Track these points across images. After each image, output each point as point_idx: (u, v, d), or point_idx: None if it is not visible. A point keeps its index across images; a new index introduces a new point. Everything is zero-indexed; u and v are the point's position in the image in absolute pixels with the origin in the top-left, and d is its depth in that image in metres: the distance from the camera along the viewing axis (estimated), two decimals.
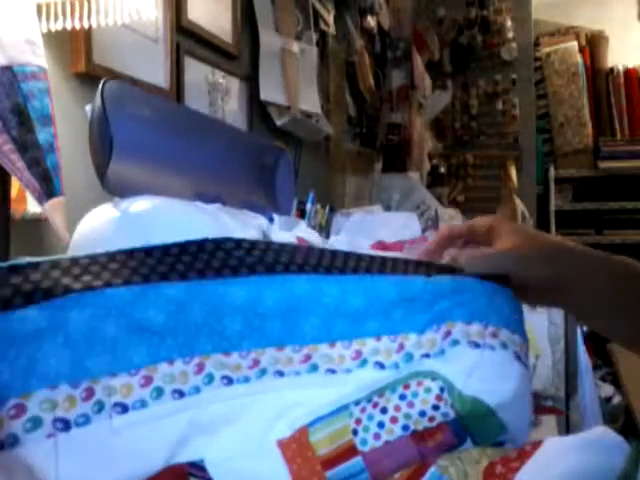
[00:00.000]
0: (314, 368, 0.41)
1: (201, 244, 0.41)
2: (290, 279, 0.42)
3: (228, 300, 0.40)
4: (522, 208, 3.11)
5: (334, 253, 0.44)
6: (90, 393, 0.35)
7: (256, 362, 0.40)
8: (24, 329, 0.34)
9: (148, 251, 0.40)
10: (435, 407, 0.39)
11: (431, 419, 0.39)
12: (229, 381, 0.39)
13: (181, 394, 0.37)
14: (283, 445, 0.38)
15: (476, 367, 0.40)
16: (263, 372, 0.40)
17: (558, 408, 1.27)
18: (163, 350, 0.37)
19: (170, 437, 0.36)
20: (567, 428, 1.12)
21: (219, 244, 0.42)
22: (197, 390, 0.38)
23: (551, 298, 0.50)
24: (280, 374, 0.40)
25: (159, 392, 0.37)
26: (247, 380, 0.39)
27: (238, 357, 0.39)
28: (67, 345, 0.35)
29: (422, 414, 0.39)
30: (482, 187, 3.51)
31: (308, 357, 0.41)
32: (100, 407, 0.35)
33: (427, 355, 0.41)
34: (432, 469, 0.36)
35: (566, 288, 0.48)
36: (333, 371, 0.41)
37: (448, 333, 0.42)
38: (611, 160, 3.50)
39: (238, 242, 0.42)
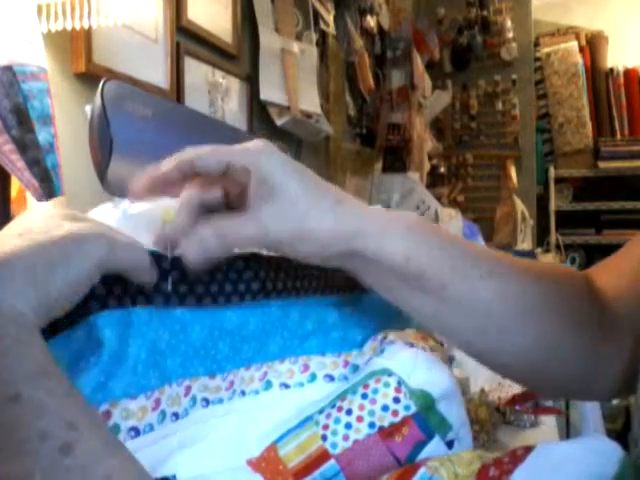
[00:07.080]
0: (269, 385, 0.41)
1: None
2: (268, 304, 0.43)
3: (225, 324, 0.40)
4: (522, 208, 3.11)
5: (295, 276, 0.45)
6: (108, 416, 0.33)
7: (231, 383, 0.40)
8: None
9: (173, 261, 0.38)
10: (396, 399, 0.40)
11: (394, 413, 0.40)
12: (207, 403, 0.39)
13: (177, 416, 0.37)
14: (253, 464, 0.37)
15: (416, 363, 0.42)
16: (234, 393, 0.40)
17: (558, 408, 1.27)
18: (166, 371, 0.37)
19: (157, 459, 0.35)
20: (567, 428, 1.12)
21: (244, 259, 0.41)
22: (186, 412, 0.37)
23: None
24: (242, 393, 0.40)
25: (163, 415, 0.36)
26: (220, 401, 0.39)
27: (220, 379, 0.40)
28: (97, 364, 0.33)
29: (385, 408, 0.40)
30: (482, 187, 3.51)
31: (265, 374, 0.42)
32: (116, 431, 0.33)
33: (370, 359, 0.44)
34: (422, 470, 0.36)
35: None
36: (287, 386, 0.42)
37: (385, 337, 0.45)
38: (611, 160, 3.49)
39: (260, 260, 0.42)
